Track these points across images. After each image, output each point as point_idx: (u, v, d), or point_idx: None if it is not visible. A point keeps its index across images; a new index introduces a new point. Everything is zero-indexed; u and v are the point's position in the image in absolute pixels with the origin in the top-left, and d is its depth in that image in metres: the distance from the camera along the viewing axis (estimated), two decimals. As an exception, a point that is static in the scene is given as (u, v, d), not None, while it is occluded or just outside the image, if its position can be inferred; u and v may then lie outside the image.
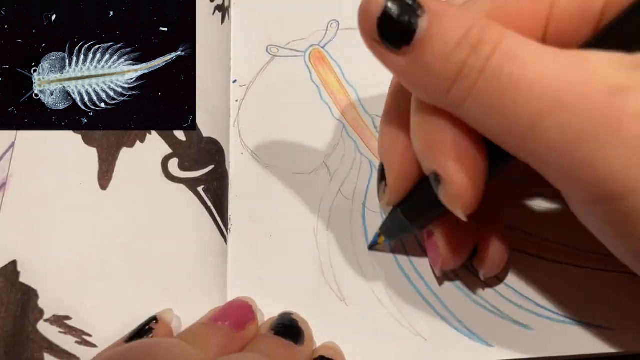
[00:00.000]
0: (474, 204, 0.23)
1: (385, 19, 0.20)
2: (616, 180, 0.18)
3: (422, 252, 0.31)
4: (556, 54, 0.19)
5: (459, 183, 0.22)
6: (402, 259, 0.31)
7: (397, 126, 0.26)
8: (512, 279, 0.30)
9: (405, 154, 0.26)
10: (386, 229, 0.30)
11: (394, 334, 0.29)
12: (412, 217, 0.27)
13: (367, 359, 0.29)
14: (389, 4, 0.20)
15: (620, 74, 0.18)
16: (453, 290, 0.30)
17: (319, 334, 0.29)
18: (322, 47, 0.38)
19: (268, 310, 0.29)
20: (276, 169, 0.34)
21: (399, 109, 0.26)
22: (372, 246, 0.31)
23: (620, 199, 0.18)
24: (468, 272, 0.30)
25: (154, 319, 0.28)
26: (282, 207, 0.33)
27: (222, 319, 0.27)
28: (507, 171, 0.26)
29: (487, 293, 0.30)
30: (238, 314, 0.28)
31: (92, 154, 0.32)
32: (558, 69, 0.18)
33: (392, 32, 0.20)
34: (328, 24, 0.39)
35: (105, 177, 0.31)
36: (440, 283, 0.30)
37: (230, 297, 0.30)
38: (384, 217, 0.31)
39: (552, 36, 0.22)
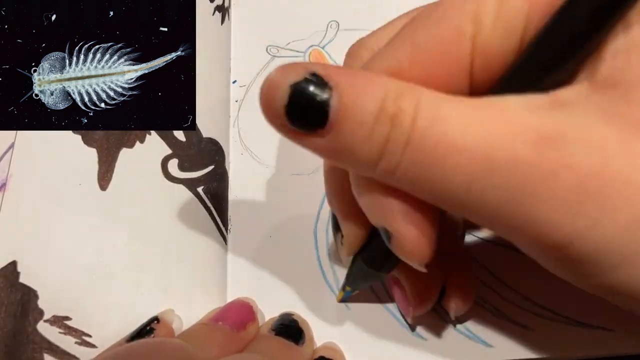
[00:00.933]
0: (429, 255, 0.21)
1: (292, 106, 0.19)
2: (558, 232, 0.18)
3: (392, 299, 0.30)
4: (475, 110, 0.18)
5: (409, 239, 0.21)
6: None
7: (341, 175, 0.24)
8: (512, 279, 0.30)
9: (355, 204, 0.23)
10: (352, 280, 0.28)
11: (394, 334, 0.29)
12: (374, 265, 0.26)
13: (367, 359, 0.29)
14: (294, 91, 0.18)
15: (541, 119, 0.18)
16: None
17: (319, 334, 0.29)
18: (322, 48, 0.38)
19: (268, 311, 0.29)
20: (276, 170, 0.34)
21: None
22: (344, 300, 0.30)
23: (566, 247, 0.18)
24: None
25: (155, 319, 0.27)
26: (282, 208, 0.33)
27: (222, 319, 0.27)
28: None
29: (487, 294, 0.30)
30: (238, 315, 0.28)
31: (91, 154, 0.32)
32: (480, 128, 0.18)
33: (302, 119, 0.19)
34: (328, 24, 0.39)
35: (105, 177, 0.31)
36: (413, 329, 0.29)
37: (230, 298, 0.30)
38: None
39: (480, 68, 0.20)
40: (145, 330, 0.27)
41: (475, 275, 0.29)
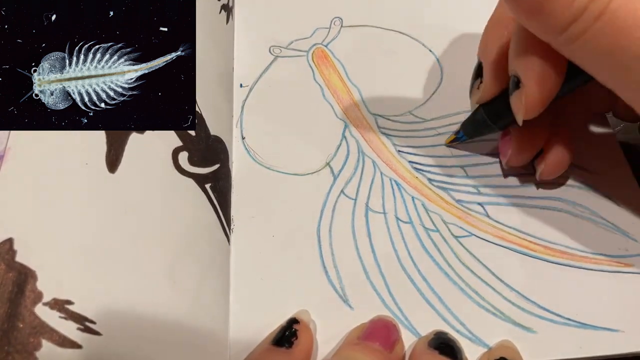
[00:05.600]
0: (535, 114, 0.26)
1: None
2: None
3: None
4: None
5: (531, 94, 0.25)
6: (405, 259, 0.31)
7: (502, 28, 0.29)
8: (515, 281, 0.30)
9: (503, 56, 0.28)
10: (466, 127, 0.33)
11: (398, 335, 0.29)
12: (492, 117, 0.31)
13: None
14: None
15: None
16: (456, 293, 0.30)
17: (322, 335, 0.29)
18: (325, 46, 0.38)
19: (270, 310, 0.29)
20: (279, 169, 0.34)
21: (507, 15, 0.29)
22: (453, 142, 0.34)
23: None
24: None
25: (294, 320, 0.28)
26: (285, 208, 0.33)
27: (370, 339, 0.27)
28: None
29: (490, 295, 0.29)
30: (385, 334, 0.27)
31: (100, 134, 0.31)
32: None
33: None
34: (331, 21, 0.39)
35: (113, 160, 0.30)
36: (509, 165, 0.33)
37: (232, 298, 0.29)
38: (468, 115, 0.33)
39: None
40: (289, 333, 0.27)
41: (572, 149, 0.31)
